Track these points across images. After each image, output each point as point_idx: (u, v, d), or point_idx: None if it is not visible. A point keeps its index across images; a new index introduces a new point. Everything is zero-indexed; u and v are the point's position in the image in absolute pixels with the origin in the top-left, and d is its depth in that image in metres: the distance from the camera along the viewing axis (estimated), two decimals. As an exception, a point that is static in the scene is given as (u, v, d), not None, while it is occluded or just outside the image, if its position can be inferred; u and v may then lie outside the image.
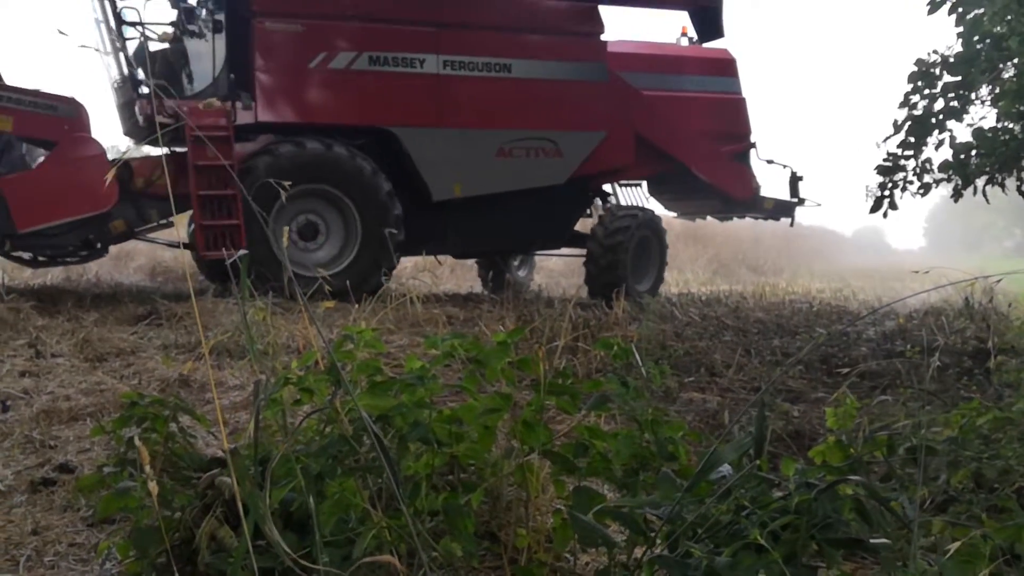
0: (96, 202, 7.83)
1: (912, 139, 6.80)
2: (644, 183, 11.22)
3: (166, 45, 9.29)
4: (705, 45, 11.28)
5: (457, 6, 9.26)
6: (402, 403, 2.24)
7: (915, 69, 6.74)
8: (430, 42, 9.03)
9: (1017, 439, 3.00)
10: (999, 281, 7.01)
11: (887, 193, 6.98)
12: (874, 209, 7.41)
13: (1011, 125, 6.50)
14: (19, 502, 3.13)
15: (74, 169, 7.77)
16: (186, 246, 9.30)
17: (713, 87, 10.90)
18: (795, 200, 11.30)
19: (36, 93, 8.01)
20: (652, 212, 10.67)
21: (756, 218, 12.00)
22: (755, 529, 1.70)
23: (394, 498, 2.02)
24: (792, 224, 11.75)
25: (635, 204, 10.86)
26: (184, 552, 2.22)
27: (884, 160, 7.03)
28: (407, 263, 11.63)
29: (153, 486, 1.70)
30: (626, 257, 9.86)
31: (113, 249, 13.81)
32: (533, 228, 10.02)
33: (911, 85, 6.80)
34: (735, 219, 12.50)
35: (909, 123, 6.74)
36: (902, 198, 7.03)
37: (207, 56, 8.64)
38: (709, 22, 10.82)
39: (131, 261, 13.20)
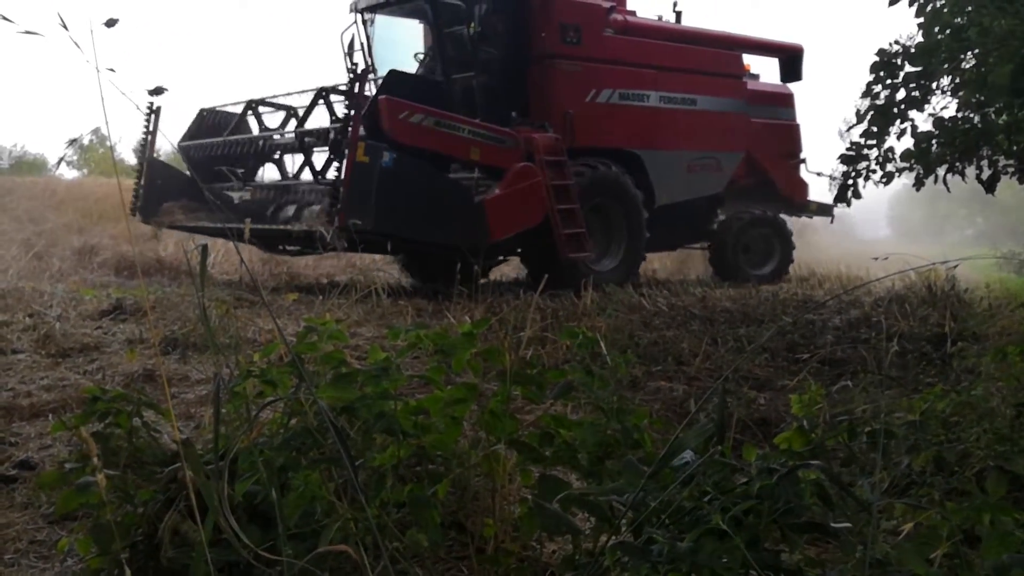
0: (533, 217, 9.64)
1: (875, 128, 6.84)
2: None
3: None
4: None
5: (668, 53, 11.71)
6: (366, 394, 2.23)
7: (877, 59, 6.79)
8: (653, 81, 11.46)
9: (976, 423, 3.05)
10: (956, 267, 7.15)
11: (851, 182, 7.03)
12: (839, 198, 7.47)
13: (971, 115, 6.57)
14: (-21, 500, 3.08)
15: (521, 190, 9.58)
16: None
17: (784, 116, 13.84)
18: (832, 204, 13.81)
19: (492, 128, 9.76)
20: (769, 213, 13.13)
21: (804, 217, 14.89)
22: (717, 514, 1.71)
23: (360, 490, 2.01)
24: (832, 222, 14.80)
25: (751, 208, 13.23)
26: (147, 547, 2.20)
27: (848, 149, 7.08)
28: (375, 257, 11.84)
29: (102, 478, 1.68)
30: (739, 250, 12.60)
31: (76, 244, 13.70)
32: (691, 226, 12.59)
33: (873, 75, 6.85)
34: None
35: (872, 113, 6.78)
36: (865, 187, 7.09)
37: (481, 88, 10.50)
38: (793, 68, 13.91)
39: (95, 256, 13.01)
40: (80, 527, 2.69)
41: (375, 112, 8.88)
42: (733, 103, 12.61)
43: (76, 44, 1.76)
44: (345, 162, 8.46)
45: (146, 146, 11.23)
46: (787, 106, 14.02)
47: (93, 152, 37.16)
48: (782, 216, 13.54)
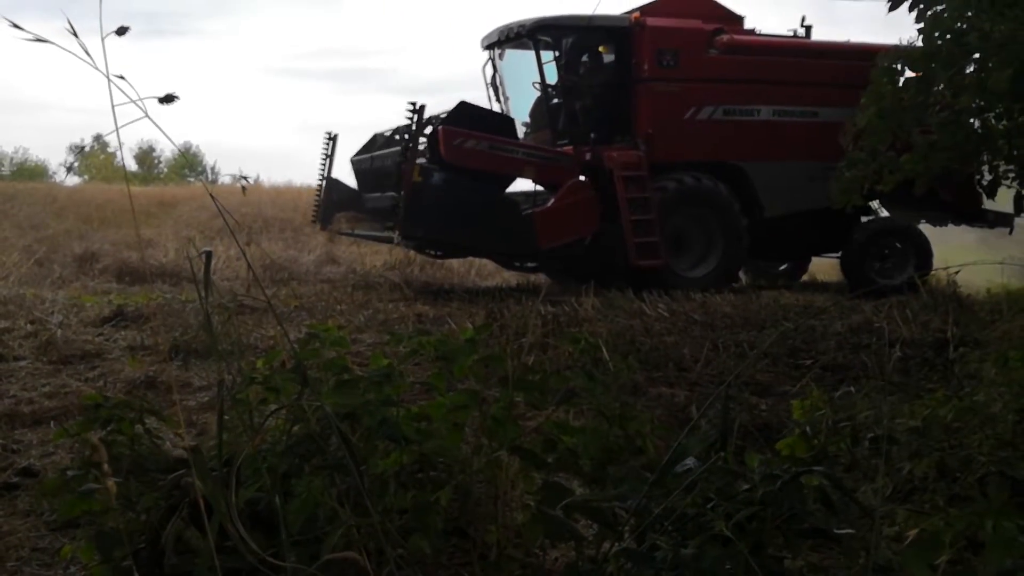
0: (585, 228, 10.54)
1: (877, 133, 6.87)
2: None
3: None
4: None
5: (785, 67, 11.93)
6: (369, 401, 2.23)
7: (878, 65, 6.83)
8: (765, 96, 11.80)
9: (978, 428, 3.05)
10: (957, 272, 7.16)
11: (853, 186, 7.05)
12: (842, 202, 7.52)
13: (971, 120, 6.59)
14: (-19, 507, 3.08)
15: (573, 204, 10.46)
16: None
17: None
18: (1012, 213, 13.02)
19: (546, 149, 10.85)
20: (902, 223, 12.88)
21: (980, 227, 14.31)
22: (720, 521, 1.71)
23: (363, 496, 2.01)
24: (1011, 232, 14.00)
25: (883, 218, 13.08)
26: (150, 554, 2.20)
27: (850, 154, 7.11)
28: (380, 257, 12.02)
29: (111, 484, 1.68)
30: (870, 259, 12.53)
31: (78, 250, 13.71)
32: (827, 236, 12.59)
33: (875, 80, 6.89)
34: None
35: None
36: (866, 191, 7.11)
37: (583, 110, 11.37)
38: None
39: (96, 262, 13.01)
40: (83, 534, 2.68)
41: (435, 140, 10.17)
42: None
43: (87, 51, 1.76)
44: (404, 182, 9.91)
45: (326, 166, 12.85)
46: None
47: (94, 158, 37.14)
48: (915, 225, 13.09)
